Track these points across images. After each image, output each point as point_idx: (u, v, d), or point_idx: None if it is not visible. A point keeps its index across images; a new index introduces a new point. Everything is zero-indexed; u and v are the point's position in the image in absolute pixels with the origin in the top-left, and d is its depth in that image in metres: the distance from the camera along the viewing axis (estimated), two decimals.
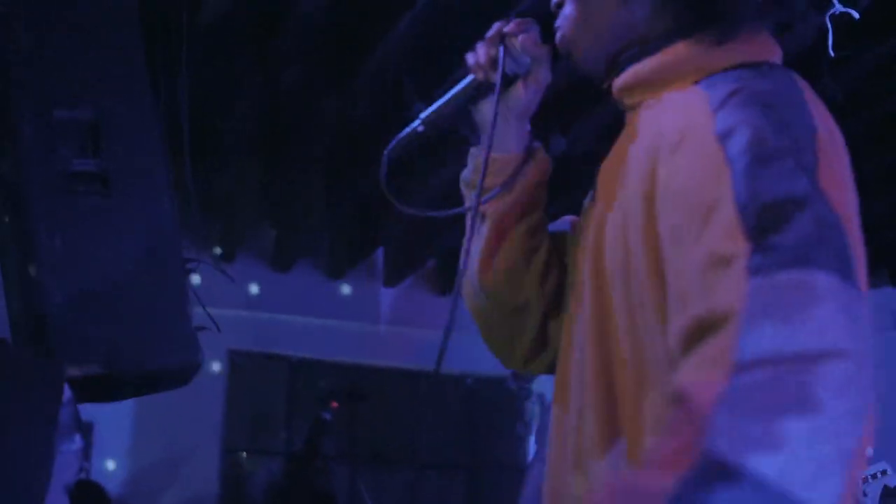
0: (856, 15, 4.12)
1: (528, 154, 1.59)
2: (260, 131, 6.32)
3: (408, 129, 1.59)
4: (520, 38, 1.52)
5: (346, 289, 8.40)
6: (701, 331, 1.11)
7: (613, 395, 1.31)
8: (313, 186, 7.05)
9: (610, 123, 6.09)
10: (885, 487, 3.47)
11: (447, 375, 8.12)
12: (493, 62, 1.52)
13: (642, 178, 1.30)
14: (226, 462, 8.01)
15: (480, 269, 1.57)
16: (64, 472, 2.49)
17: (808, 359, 1.07)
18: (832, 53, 4.12)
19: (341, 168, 6.80)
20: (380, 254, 8.42)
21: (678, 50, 1.39)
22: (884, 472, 3.50)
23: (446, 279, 8.46)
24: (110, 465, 7.37)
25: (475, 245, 1.57)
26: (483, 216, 1.57)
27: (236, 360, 7.91)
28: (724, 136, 1.21)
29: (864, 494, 3.39)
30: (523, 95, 1.56)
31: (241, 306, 7.48)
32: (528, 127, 1.62)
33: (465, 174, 1.63)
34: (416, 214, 1.66)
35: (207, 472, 7.83)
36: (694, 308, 1.14)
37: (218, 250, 7.23)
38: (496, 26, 1.55)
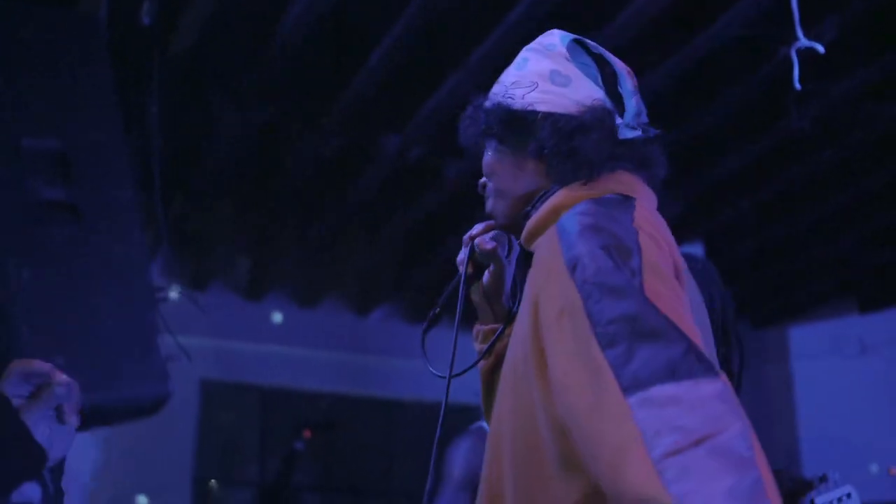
0: (821, 49, 4.16)
1: (508, 321, 1.95)
2: (233, 164, 6.31)
3: (431, 314, 2.00)
4: (476, 241, 1.95)
5: (318, 318, 8.38)
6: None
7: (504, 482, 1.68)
8: (287, 218, 7.05)
9: None
10: None
11: (422, 404, 8.10)
12: (463, 261, 1.97)
13: (530, 305, 1.66)
14: (197, 492, 7.94)
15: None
16: None
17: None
18: (798, 86, 4.16)
19: (314, 200, 6.80)
20: (353, 284, 8.41)
21: (555, 196, 1.80)
22: (848, 496, 3.50)
23: (419, 309, 8.46)
24: (82, 494, 7.29)
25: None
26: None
27: (208, 390, 7.86)
28: (571, 269, 1.55)
29: None
30: (490, 282, 1.97)
31: (213, 336, 7.45)
32: (505, 301, 2.00)
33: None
34: (439, 376, 1.94)
35: (179, 502, 7.76)
36: (599, 454, 1.41)
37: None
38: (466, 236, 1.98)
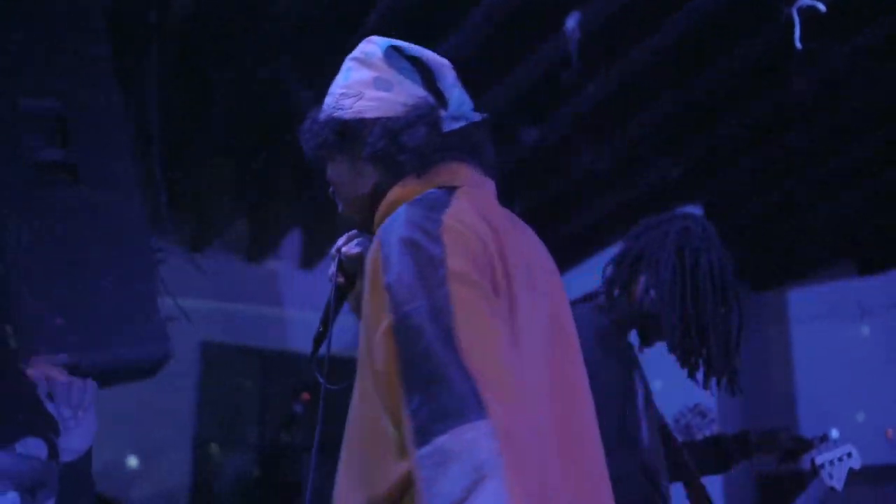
0: (822, 8, 4.14)
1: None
2: (233, 125, 6.29)
3: (315, 334, 2.13)
4: (343, 250, 2.11)
5: (319, 279, 8.34)
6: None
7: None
8: (287, 179, 7.03)
9: (585, 112, 6.11)
10: (850, 470, 3.50)
11: None
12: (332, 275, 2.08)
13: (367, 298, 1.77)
14: (198, 454, 7.97)
15: None
16: None
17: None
18: (799, 46, 4.14)
19: (309, 164, 6.77)
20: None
21: (391, 192, 1.94)
22: (849, 455, 3.52)
23: None
24: None
25: None
26: None
27: (209, 352, 7.86)
28: (384, 270, 1.69)
29: (831, 477, 3.40)
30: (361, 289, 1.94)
31: (213, 298, 7.45)
32: None
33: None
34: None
35: (179, 465, 7.80)
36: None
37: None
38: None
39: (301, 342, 8.09)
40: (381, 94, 1.99)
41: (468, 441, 1.48)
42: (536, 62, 5.51)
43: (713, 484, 7.44)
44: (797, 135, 6.56)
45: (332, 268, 2.10)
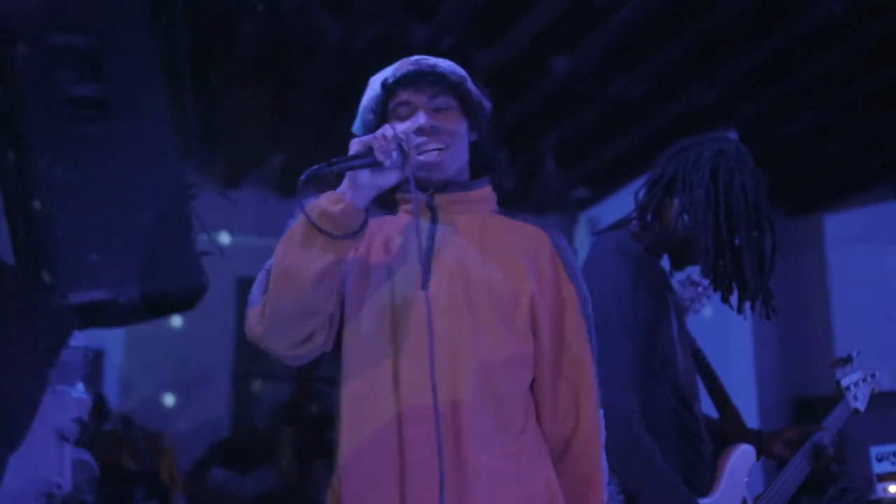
0: None
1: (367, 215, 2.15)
2: (262, 57, 6.27)
3: (321, 166, 2.07)
4: (412, 145, 2.12)
5: None
6: None
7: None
8: (320, 110, 7.02)
9: (615, 40, 6.04)
10: (874, 391, 3.48)
11: None
12: (390, 154, 2.08)
13: (522, 268, 2.22)
14: (237, 387, 8.06)
15: (316, 277, 2.08)
16: (56, 413, 2.48)
17: None
18: None
19: (347, 91, 6.75)
20: None
21: (489, 189, 2.39)
22: (872, 376, 3.51)
23: None
24: (122, 391, 7.43)
25: (318, 262, 2.08)
26: (333, 245, 2.09)
27: (245, 287, 7.87)
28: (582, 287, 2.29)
29: (856, 398, 3.39)
30: (390, 181, 2.12)
31: (248, 232, 7.48)
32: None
33: (328, 207, 2.11)
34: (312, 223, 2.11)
35: (218, 398, 7.90)
36: None
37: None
38: (397, 130, 2.11)
39: None
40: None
41: None
42: None
43: (748, 407, 7.48)
44: (830, 57, 6.47)
45: (403, 151, 2.12)
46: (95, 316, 2.76)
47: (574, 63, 6.25)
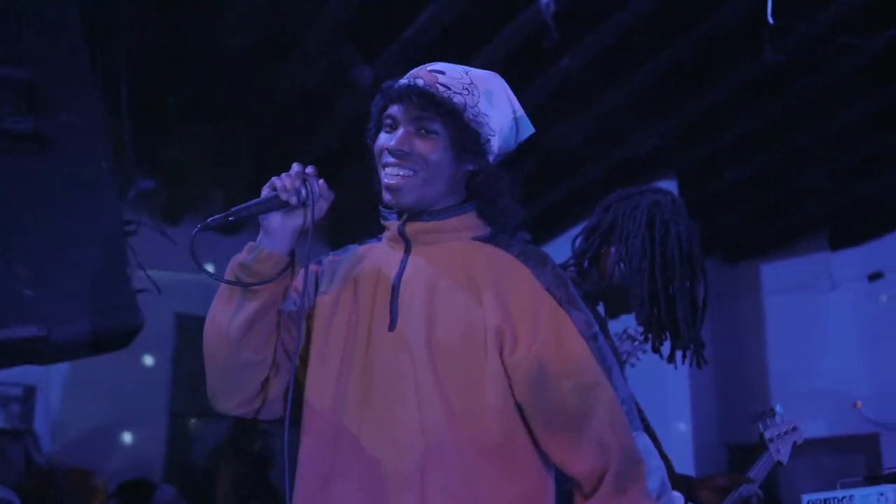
0: None
1: (292, 260, 2.14)
2: (206, 96, 6.24)
3: (220, 217, 2.06)
4: (320, 181, 2.11)
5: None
6: None
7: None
8: (262, 150, 6.99)
9: (559, 86, 6.08)
10: (794, 444, 3.55)
11: None
12: (297, 192, 2.07)
13: (476, 302, 2.08)
14: (173, 426, 7.96)
15: (240, 329, 2.09)
16: None
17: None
18: (772, 21, 4.14)
19: (290, 131, 6.74)
20: (332, 217, 8.35)
21: (471, 217, 2.24)
22: (794, 429, 3.57)
23: None
24: (54, 428, 7.30)
25: (240, 313, 2.09)
26: (252, 294, 2.10)
27: (184, 324, 7.84)
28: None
29: (778, 451, 3.45)
30: (305, 219, 2.11)
31: (189, 270, 7.41)
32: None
33: (241, 257, 2.14)
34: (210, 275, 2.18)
35: (154, 436, 7.78)
36: None
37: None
38: (297, 168, 2.11)
39: None
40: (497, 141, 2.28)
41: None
42: (511, 35, 5.48)
43: (685, 453, 7.51)
44: (769, 109, 6.57)
45: (304, 186, 2.10)
46: (28, 353, 2.71)
47: None
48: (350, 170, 7.21)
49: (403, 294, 2.12)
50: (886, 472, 3.79)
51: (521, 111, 2.35)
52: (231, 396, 2.18)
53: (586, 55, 5.72)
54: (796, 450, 3.55)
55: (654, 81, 6.06)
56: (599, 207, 3.02)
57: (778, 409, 3.54)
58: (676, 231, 2.84)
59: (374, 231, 2.32)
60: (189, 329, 7.88)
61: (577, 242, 3.00)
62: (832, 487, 3.79)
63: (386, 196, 2.18)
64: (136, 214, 2.98)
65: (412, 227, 2.20)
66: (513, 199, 2.27)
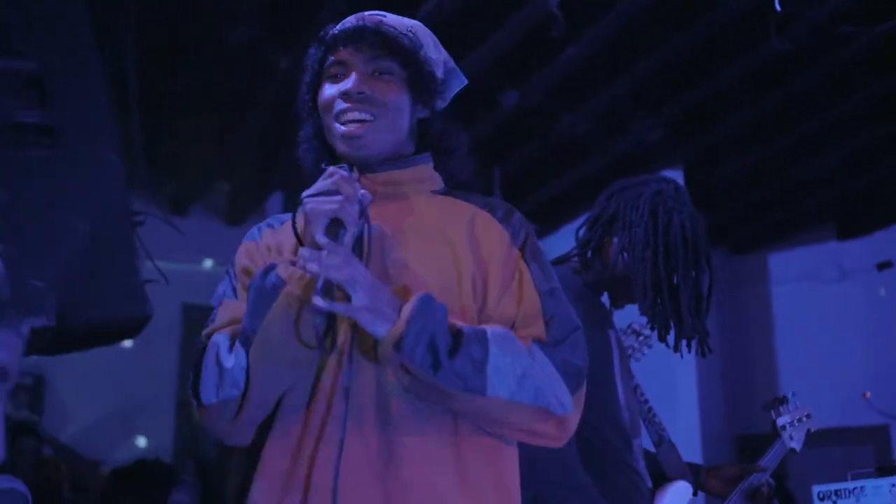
0: None
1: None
2: (211, 87, 6.27)
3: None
4: (363, 194, 1.92)
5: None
6: None
7: None
8: (266, 142, 7.02)
9: (564, 75, 6.10)
10: (808, 431, 3.55)
11: None
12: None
13: (451, 255, 1.97)
14: (180, 415, 8.00)
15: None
16: None
17: None
18: (779, 8, 4.15)
19: (294, 122, 6.76)
20: None
21: (429, 167, 2.14)
22: (807, 416, 3.57)
23: None
24: (63, 418, 7.35)
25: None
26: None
27: (190, 314, 7.88)
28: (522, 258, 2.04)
29: (791, 438, 3.46)
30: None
31: (195, 260, 7.46)
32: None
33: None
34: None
35: (162, 426, 7.83)
36: None
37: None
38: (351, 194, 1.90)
39: None
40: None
41: None
42: (517, 25, 5.50)
43: (692, 443, 7.52)
44: (776, 97, 6.57)
45: (355, 210, 1.88)
46: (36, 343, 2.74)
47: (522, 98, 6.30)
48: None
49: (372, 258, 1.92)
50: None
51: (452, 62, 2.20)
52: (256, 422, 2.00)
53: (591, 45, 5.74)
54: (806, 441, 3.56)
55: (660, 70, 6.07)
56: (602, 197, 3.03)
57: (791, 396, 3.55)
58: (680, 219, 2.85)
59: None
60: (195, 319, 7.88)
61: (581, 232, 3.01)
62: (842, 479, 3.82)
63: (341, 147, 2.04)
64: (144, 205, 2.98)
65: (368, 181, 2.01)
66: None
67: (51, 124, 2.69)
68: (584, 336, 2.00)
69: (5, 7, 2.75)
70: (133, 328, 2.93)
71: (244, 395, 1.92)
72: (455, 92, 2.21)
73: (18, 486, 4.14)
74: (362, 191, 1.92)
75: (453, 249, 1.97)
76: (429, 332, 1.79)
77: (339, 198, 1.87)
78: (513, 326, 1.92)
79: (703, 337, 2.89)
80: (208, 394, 1.97)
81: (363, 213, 1.91)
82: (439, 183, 2.13)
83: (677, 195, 2.92)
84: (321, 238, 1.84)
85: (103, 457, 7.16)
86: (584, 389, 1.94)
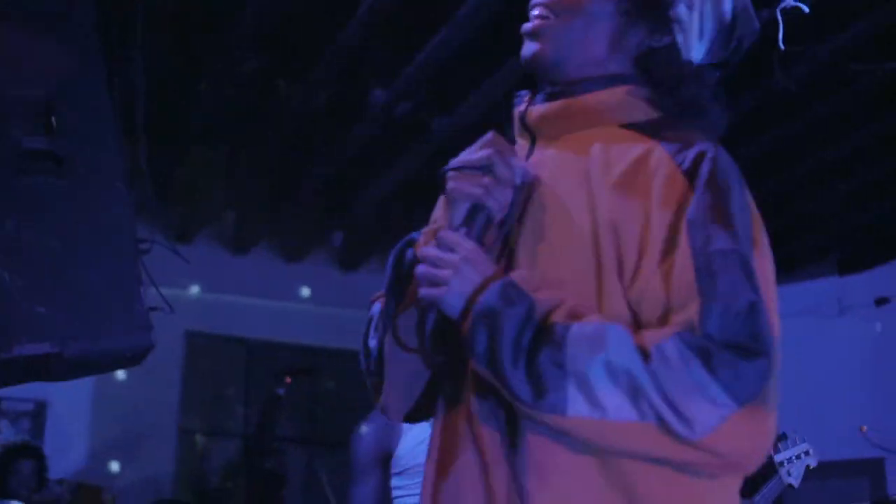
0: (805, 9, 4.14)
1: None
2: (220, 117, 6.27)
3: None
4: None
5: (304, 271, 8.37)
6: None
7: None
8: (274, 171, 7.02)
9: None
10: (807, 468, 3.54)
11: None
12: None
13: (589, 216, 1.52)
14: (182, 442, 7.95)
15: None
16: None
17: None
18: (783, 47, 4.14)
19: (302, 154, 6.76)
20: (338, 238, 8.39)
21: (640, 91, 1.68)
22: (806, 453, 3.56)
23: None
24: (64, 443, 7.30)
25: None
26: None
27: (194, 342, 7.84)
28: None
29: (789, 474, 3.45)
30: None
31: (199, 288, 7.44)
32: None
33: None
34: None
35: (164, 453, 7.78)
36: None
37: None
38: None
39: (284, 332, 8.11)
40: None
41: None
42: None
43: None
44: (778, 133, 6.58)
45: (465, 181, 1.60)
46: (40, 369, 2.71)
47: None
48: (362, 192, 7.25)
49: (525, 215, 1.60)
50: (893, 497, 3.80)
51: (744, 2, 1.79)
52: (401, 401, 1.79)
53: None
54: (805, 477, 3.56)
55: None
56: None
57: (791, 433, 3.54)
58: None
59: (387, 253, 2.03)
60: (198, 346, 7.89)
61: None
62: None
63: (521, 55, 1.70)
64: (150, 233, 2.97)
65: (534, 113, 1.68)
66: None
67: (58, 152, 2.68)
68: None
69: (14, 38, 2.75)
70: (136, 356, 2.91)
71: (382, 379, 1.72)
72: (741, 40, 1.88)
73: None
74: (522, 166, 1.62)
75: (594, 217, 1.52)
76: (490, 321, 1.45)
77: (486, 181, 1.58)
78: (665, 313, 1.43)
79: None
80: (363, 367, 1.79)
81: (518, 197, 1.59)
82: (643, 113, 1.66)
83: None
84: (450, 235, 1.56)
85: (104, 482, 7.11)
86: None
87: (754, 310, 1.45)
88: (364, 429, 3.81)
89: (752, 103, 6.12)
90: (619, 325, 1.42)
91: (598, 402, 1.37)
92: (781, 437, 3.52)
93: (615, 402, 1.37)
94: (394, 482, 3.58)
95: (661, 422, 1.35)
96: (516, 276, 1.51)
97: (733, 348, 1.39)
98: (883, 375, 8.10)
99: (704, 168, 1.55)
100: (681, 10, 1.68)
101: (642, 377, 1.36)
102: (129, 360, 2.87)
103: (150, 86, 3.16)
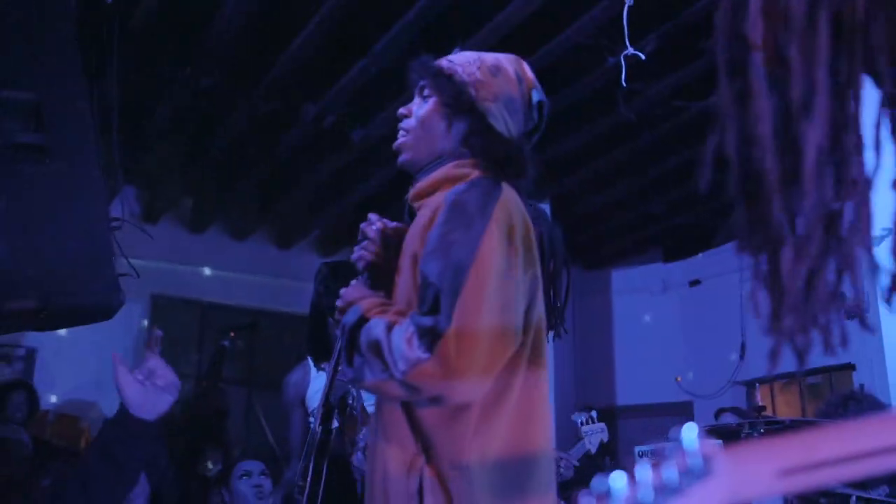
0: (643, 56, 4.21)
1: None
2: (181, 121, 6.15)
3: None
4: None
5: (247, 248, 8.29)
6: None
7: None
8: (223, 167, 6.91)
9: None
10: (601, 441, 3.79)
11: None
12: None
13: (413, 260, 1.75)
14: None
15: None
16: None
17: None
18: (625, 85, 4.20)
19: (246, 153, 6.67)
20: (276, 222, 8.31)
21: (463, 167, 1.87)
22: (602, 431, 3.81)
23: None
24: (50, 382, 7.12)
25: None
26: None
27: (157, 303, 7.71)
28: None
29: (590, 443, 3.69)
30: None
31: (162, 259, 7.30)
32: None
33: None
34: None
35: None
36: None
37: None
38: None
39: (230, 296, 8.01)
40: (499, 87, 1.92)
41: None
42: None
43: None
44: (621, 152, 6.70)
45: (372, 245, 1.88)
46: (29, 321, 2.63)
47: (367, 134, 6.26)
48: (293, 188, 7.18)
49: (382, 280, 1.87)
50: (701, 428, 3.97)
51: (539, 96, 2.03)
52: None
53: None
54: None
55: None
56: None
57: (594, 414, 3.72)
58: (539, 231, 2.84)
59: (314, 236, 2.16)
60: (160, 306, 7.76)
61: None
62: (661, 441, 3.92)
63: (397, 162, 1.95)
64: (121, 213, 2.89)
65: (410, 193, 1.91)
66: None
67: (45, 144, 2.60)
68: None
69: (7, 49, 2.65)
70: (108, 312, 2.84)
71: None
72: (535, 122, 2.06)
73: (18, 432, 3.98)
74: (375, 226, 1.91)
75: (415, 256, 1.75)
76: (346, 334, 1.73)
77: (364, 244, 1.92)
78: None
79: (559, 324, 2.88)
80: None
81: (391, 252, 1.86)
82: (465, 177, 1.83)
83: (535, 212, 2.90)
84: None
85: (81, 413, 6.95)
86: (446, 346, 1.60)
87: (436, 320, 1.61)
88: (290, 377, 4.03)
89: (603, 128, 6.22)
90: (386, 316, 1.67)
91: (372, 369, 1.61)
92: (589, 420, 3.72)
93: (377, 365, 1.61)
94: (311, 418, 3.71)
95: (389, 374, 1.58)
96: (382, 296, 1.78)
97: (427, 328, 1.60)
98: (694, 340, 8.33)
99: (454, 196, 1.74)
100: (489, 106, 1.87)
101: (384, 343, 1.61)
102: (103, 314, 2.79)
103: (122, 93, 3.08)
